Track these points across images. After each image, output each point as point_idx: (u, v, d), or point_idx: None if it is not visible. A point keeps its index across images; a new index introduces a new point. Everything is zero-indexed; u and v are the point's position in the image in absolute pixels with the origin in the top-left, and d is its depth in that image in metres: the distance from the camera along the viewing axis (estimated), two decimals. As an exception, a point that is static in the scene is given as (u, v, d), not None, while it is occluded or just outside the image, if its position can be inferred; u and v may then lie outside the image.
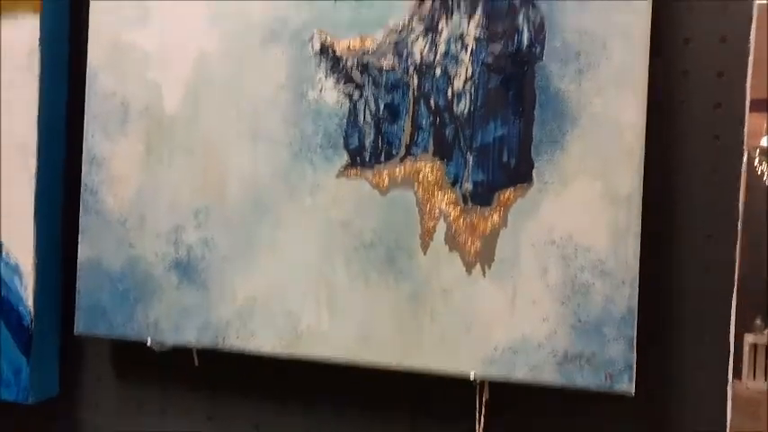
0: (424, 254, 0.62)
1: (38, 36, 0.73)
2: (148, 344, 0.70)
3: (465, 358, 0.60)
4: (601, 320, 0.57)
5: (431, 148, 0.62)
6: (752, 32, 0.59)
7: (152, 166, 0.71)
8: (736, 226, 0.58)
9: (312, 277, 0.65)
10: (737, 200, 0.60)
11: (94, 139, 0.73)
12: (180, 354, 0.71)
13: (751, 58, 0.59)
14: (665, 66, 0.60)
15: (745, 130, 0.60)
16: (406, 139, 0.63)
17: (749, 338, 2.82)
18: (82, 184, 0.73)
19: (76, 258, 0.73)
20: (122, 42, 0.72)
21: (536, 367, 0.59)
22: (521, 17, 0.60)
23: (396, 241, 0.63)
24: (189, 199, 0.69)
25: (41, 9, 0.73)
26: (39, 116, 0.73)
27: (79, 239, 0.73)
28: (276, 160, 0.67)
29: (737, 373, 2.81)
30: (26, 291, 0.73)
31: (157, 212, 0.70)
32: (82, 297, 0.73)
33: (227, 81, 0.68)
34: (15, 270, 0.74)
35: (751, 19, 0.59)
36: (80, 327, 0.73)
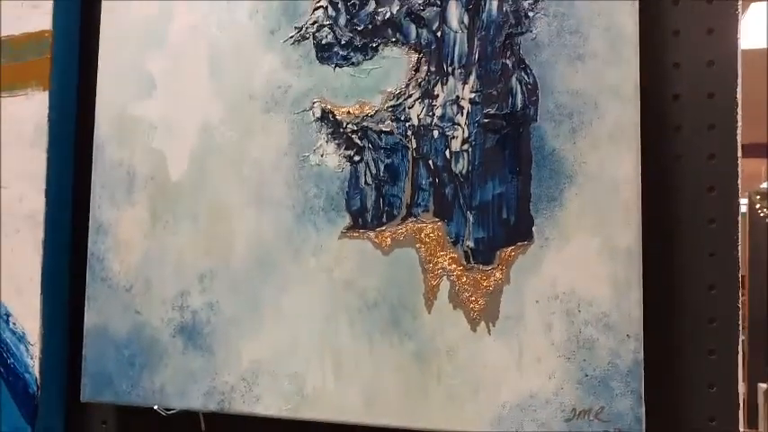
0: (429, 312, 0.63)
1: (46, 111, 0.75)
2: (155, 408, 0.70)
3: (473, 417, 0.60)
4: (607, 375, 0.57)
5: (431, 207, 0.64)
6: (738, 86, 0.61)
7: (157, 232, 0.72)
8: (737, 276, 0.59)
9: (317, 339, 0.65)
10: (737, 250, 0.60)
11: (101, 208, 0.74)
12: (186, 418, 0.71)
13: (739, 109, 0.61)
14: (657, 121, 0.62)
15: (740, 180, 0.61)
16: (406, 199, 0.65)
17: (763, 387, 2.77)
18: (89, 252, 0.74)
19: (82, 326, 0.73)
20: (128, 114, 0.74)
21: (544, 424, 0.58)
22: (513, 80, 0.62)
23: (399, 300, 0.63)
24: (194, 264, 0.70)
25: (50, 86, 0.75)
26: (47, 188, 0.74)
27: (86, 307, 0.73)
28: (280, 223, 0.68)
29: (754, 424, 2.75)
30: (32, 359, 0.73)
31: (163, 278, 0.71)
32: (88, 364, 0.73)
33: (230, 148, 0.70)
34: (21, 338, 0.74)
35: (737, 75, 0.61)
36: (86, 394, 0.73)
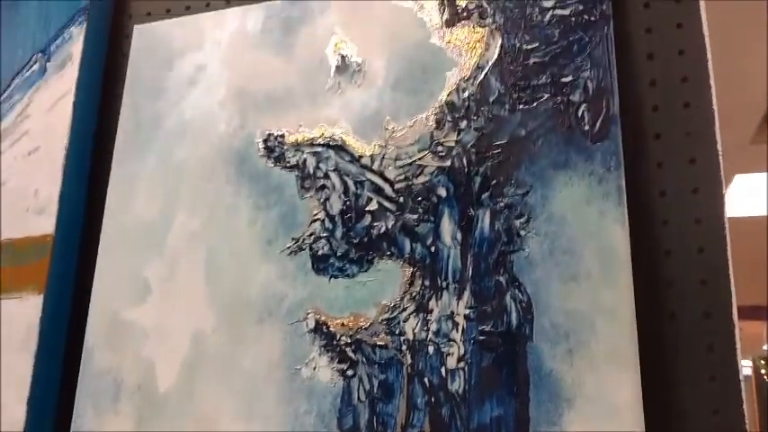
0: None
1: (38, 318, 0.74)
2: None
3: None
4: None
5: (427, 428, 0.61)
6: (728, 245, 0.61)
7: (141, 447, 0.68)
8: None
9: None
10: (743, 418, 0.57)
11: (83, 417, 0.71)
12: None
13: (731, 266, 0.60)
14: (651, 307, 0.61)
15: (737, 338, 0.59)
16: (401, 419, 0.62)
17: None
18: (66, 466, 0.70)
19: None
20: (120, 320, 0.74)
21: None
22: (507, 297, 0.62)
23: None
24: (176, 483, 0.66)
25: (46, 290, 0.75)
26: (29, 396, 0.72)
27: None
28: (269, 441, 0.65)
29: None
30: None
31: (142, 500, 0.67)
32: None
33: (222, 358, 0.69)
34: None
35: (725, 235, 0.61)
36: None
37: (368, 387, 0.64)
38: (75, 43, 0.84)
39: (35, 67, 0.86)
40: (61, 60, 0.85)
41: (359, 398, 0.64)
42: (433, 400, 0.62)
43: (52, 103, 0.83)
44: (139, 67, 0.84)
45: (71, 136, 0.80)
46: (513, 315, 0.61)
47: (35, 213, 0.80)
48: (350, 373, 0.65)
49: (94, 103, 0.84)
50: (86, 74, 0.83)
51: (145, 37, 0.85)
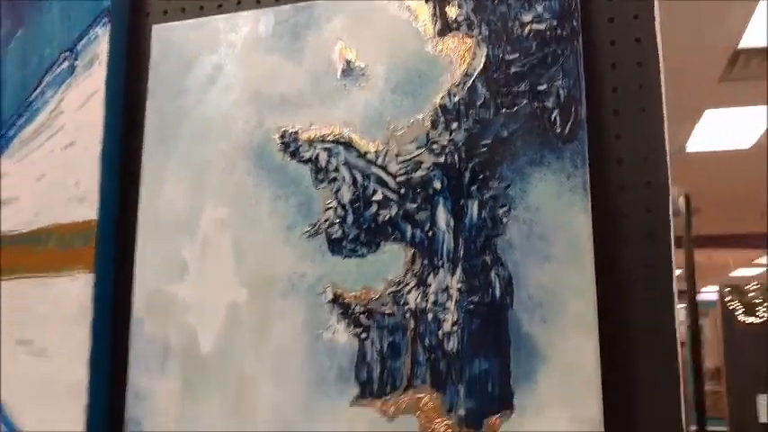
0: (429, 474, 0.73)
1: (90, 291, 0.87)
2: None
3: None
4: None
5: (428, 380, 0.76)
6: (672, 233, 0.74)
7: (187, 401, 0.82)
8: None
9: (333, 499, 0.75)
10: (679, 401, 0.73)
11: (138, 378, 0.85)
12: None
13: (673, 253, 0.74)
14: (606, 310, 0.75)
15: (676, 304, 0.73)
16: (407, 372, 0.76)
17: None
18: (126, 416, 0.84)
19: (118, 485, 0.82)
20: (163, 293, 0.86)
21: None
22: (492, 274, 0.75)
23: (403, 462, 0.74)
24: (222, 428, 0.81)
25: (95, 269, 0.87)
26: (89, 359, 0.85)
27: (122, 468, 0.83)
28: (297, 394, 0.79)
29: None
30: None
31: (195, 443, 0.81)
32: None
33: (253, 325, 0.82)
34: (63, 499, 0.83)
35: (670, 223, 0.74)
36: None
37: (379, 347, 0.78)
38: (101, 43, 0.93)
39: (64, 65, 0.95)
40: (88, 60, 0.94)
41: (372, 356, 0.78)
42: (432, 357, 0.76)
43: (83, 101, 0.93)
44: (161, 67, 0.93)
45: (105, 131, 0.90)
46: (497, 288, 0.75)
47: (76, 202, 0.90)
48: (363, 336, 0.79)
49: (122, 100, 0.94)
50: (114, 73, 0.92)
51: (163, 37, 0.94)
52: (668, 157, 0.76)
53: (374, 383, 0.77)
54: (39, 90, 0.96)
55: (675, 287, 0.73)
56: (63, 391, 0.86)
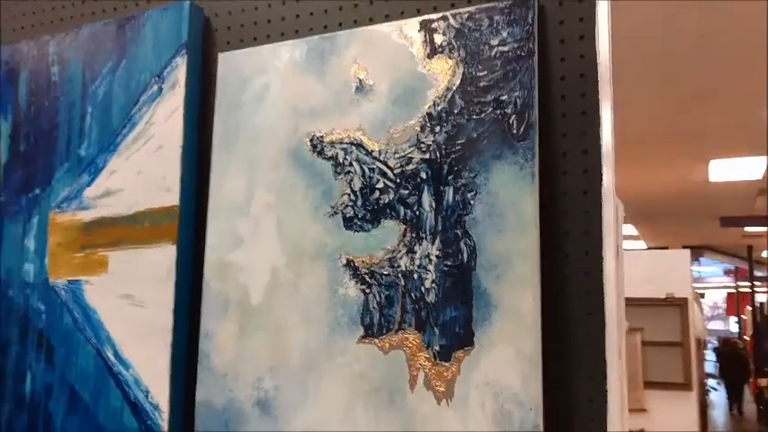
0: (411, 393, 0.97)
1: (174, 258, 1.16)
2: (240, 458, 1.07)
3: (438, 462, 0.94)
4: (520, 435, 0.90)
5: (413, 324, 0.99)
6: (603, 210, 0.94)
7: (242, 339, 1.11)
8: (605, 368, 0.91)
9: (342, 411, 1.01)
10: (603, 357, 0.93)
11: (208, 322, 1.14)
12: (260, 464, 1.07)
13: (603, 221, 0.93)
14: (550, 267, 0.96)
15: (604, 269, 0.93)
16: (398, 318, 1.01)
17: None
18: (199, 351, 1.13)
19: (194, 399, 1.12)
20: (225, 260, 1.15)
21: (488, 469, 0.91)
22: (462, 244, 0.98)
23: (394, 385, 0.99)
24: (265, 361, 1.08)
25: (177, 242, 1.17)
26: (173, 309, 1.15)
27: (197, 387, 1.12)
28: (319, 334, 1.05)
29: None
30: (163, 422, 1.12)
31: (246, 369, 1.09)
32: (198, 425, 1.11)
33: (290, 283, 1.09)
34: (156, 407, 1.13)
35: (601, 203, 0.94)
36: (196, 447, 1.11)
37: (378, 299, 1.02)
38: (181, 70, 1.23)
39: (154, 87, 1.25)
40: (172, 83, 1.23)
41: (373, 306, 1.03)
42: (416, 307, 1.00)
43: (168, 115, 1.23)
44: (224, 87, 1.22)
45: (184, 138, 1.20)
46: (465, 254, 0.98)
47: (164, 191, 1.21)
48: (367, 291, 1.03)
49: (196, 113, 1.23)
50: (190, 93, 1.22)
51: (226, 63, 1.23)
52: (603, 150, 0.95)
53: (374, 326, 1.02)
54: (137, 107, 1.27)
55: (604, 251, 0.93)
56: (155, 331, 1.16)
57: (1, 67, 1.44)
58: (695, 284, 7.67)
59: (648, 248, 10.83)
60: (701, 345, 5.60)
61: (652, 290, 5.05)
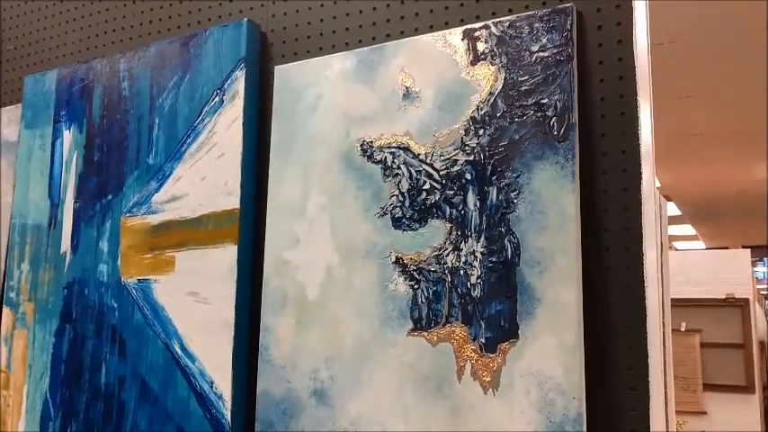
0: (459, 383, 1.03)
1: (235, 257, 1.25)
2: (298, 444, 1.14)
3: (484, 448, 0.99)
4: (563, 422, 0.94)
5: (460, 318, 1.05)
6: (642, 205, 0.98)
7: (299, 333, 1.18)
8: (647, 359, 0.94)
9: (393, 399, 1.07)
10: (646, 349, 0.96)
11: (267, 317, 1.22)
12: (317, 450, 1.14)
13: (643, 216, 0.96)
14: (591, 262, 1.00)
15: (644, 264, 0.96)
16: (445, 312, 1.06)
17: None
18: (260, 344, 1.21)
19: (256, 389, 1.20)
20: (283, 258, 1.22)
21: (533, 455, 0.96)
22: (506, 241, 1.03)
23: (442, 375, 1.04)
24: (321, 352, 1.15)
25: (238, 242, 1.25)
26: (235, 305, 1.23)
27: (258, 378, 1.20)
28: (371, 327, 1.11)
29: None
30: (226, 410, 1.21)
31: (303, 361, 1.16)
32: (259, 413, 1.19)
33: (343, 280, 1.16)
34: (220, 397, 1.22)
35: (641, 198, 0.97)
36: (258, 429, 1.19)
37: (426, 294, 1.08)
38: (240, 82, 1.31)
39: (216, 99, 1.34)
40: (232, 95, 1.32)
41: (421, 300, 1.08)
42: (462, 301, 1.05)
43: (229, 124, 1.31)
44: (280, 97, 1.30)
45: (243, 146, 1.28)
46: (509, 251, 1.03)
47: (226, 195, 1.29)
48: (416, 286, 1.09)
49: (255, 123, 1.31)
50: (248, 104, 1.30)
51: (282, 75, 1.31)
52: (641, 150, 0.99)
53: (423, 320, 1.08)
54: (200, 117, 1.36)
55: (644, 246, 0.96)
56: (218, 326, 1.25)
57: (76, 83, 1.57)
58: (759, 286, 7.44)
59: (707, 248, 10.54)
60: (765, 347, 5.42)
61: (711, 290, 4.93)
